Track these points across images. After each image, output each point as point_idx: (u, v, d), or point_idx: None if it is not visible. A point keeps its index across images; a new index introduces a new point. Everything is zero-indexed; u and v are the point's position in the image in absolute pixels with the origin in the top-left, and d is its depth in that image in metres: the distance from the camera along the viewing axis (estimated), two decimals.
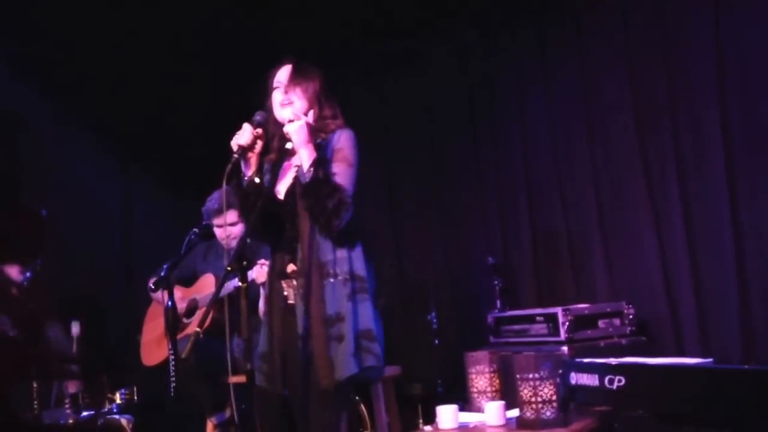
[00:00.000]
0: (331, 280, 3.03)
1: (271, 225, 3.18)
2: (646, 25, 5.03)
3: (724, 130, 4.66)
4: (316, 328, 2.99)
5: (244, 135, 3.10)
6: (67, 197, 5.35)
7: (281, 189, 3.20)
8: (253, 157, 3.16)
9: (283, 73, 3.22)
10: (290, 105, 3.16)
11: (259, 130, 3.13)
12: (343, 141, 3.13)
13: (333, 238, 3.04)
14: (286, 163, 3.25)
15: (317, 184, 2.99)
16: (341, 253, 3.06)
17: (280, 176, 3.25)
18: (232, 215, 4.51)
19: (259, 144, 3.15)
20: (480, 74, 5.91)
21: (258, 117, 3.15)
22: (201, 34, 5.65)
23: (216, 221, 4.59)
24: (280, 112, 3.18)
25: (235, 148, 3.08)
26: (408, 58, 6.23)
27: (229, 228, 4.59)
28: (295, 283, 3.11)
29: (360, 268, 3.08)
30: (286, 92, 3.18)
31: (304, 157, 3.05)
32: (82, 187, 5.72)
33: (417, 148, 6.21)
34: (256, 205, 3.05)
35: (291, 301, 3.14)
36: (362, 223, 3.16)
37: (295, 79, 3.19)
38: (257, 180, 3.15)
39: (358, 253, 3.10)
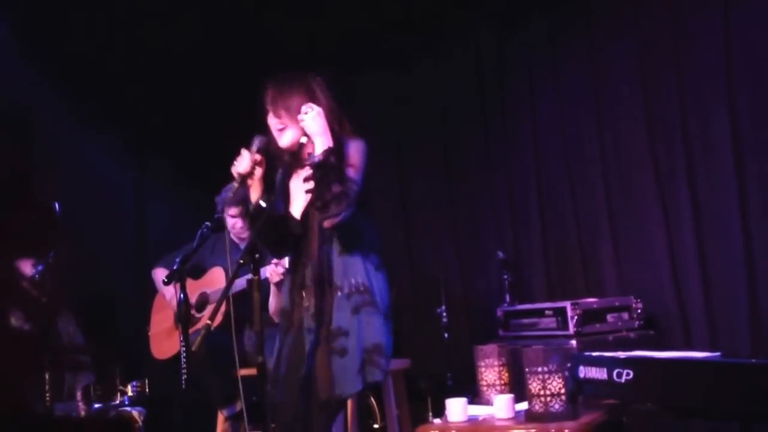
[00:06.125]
0: (339, 294, 3.04)
1: (286, 242, 3.22)
2: (656, 20, 5.02)
3: (733, 126, 4.67)
4: (320, 341, 3.02)
5: (243, 163, 3.11)
6: (79, 190, 5.37)
7: (294, 211, 3.22)
8: (254, 183, 3.16)
9: (269, 98, 3.20)
10: (285, 130, 3.16)
11: (258, 156, 3.13)
12: (352, 149, 3.11)
13: (328, 231, 3.05)
14: (292, 183, 3.26)
15: (326, 167, 2.97)
16: (348, 268, 3.07)
17: (290, 197, 3.26)
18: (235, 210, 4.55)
19: (259, 170, 3.15)
20: (491, 70, 5.89)
21: (257, 142, 3.15)
22: (214, 28, 5.65)
23: (230, 211, 4.62)
24: (279, 139, 3.19)
25: (235, 176, 3.11)
26: (419, 53, 6.22)
27: (232, 219, 4.63)
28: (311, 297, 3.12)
29: (367, 282, 3.07)
30: (275, 117, 3.17)
31: (318, 145, 3.03)
32: (95, 180, 5.74)
33: (428, 143, 6.20)
34: (261, 229, 3.05)
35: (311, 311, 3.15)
36: (375, 234, 3.18)
37: (276, 103, 3.17)
38: (263, 204, 3.15)
39: (367, 266, 3.10)
